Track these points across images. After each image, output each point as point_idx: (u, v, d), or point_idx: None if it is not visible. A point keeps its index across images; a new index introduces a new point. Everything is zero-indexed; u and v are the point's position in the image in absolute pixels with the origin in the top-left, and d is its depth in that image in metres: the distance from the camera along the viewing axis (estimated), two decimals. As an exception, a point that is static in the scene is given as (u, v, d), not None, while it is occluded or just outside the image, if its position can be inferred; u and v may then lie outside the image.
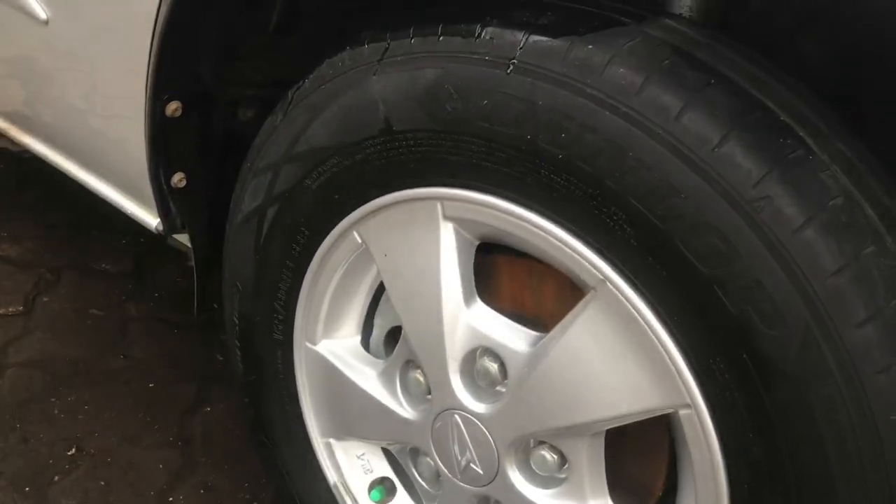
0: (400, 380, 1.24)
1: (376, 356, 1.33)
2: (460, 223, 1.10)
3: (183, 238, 1.62)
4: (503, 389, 1.12)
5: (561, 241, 0.99)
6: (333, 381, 1.32)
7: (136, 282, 2.28)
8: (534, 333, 1.10)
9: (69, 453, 1.77)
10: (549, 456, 1.10)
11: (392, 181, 1.12)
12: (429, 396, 1.21)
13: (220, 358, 2.08)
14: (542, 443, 1.11)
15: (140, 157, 1.45)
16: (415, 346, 1.17)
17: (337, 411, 1.35)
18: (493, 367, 1.11)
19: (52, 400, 1.89)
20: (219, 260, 1.64)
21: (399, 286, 1.17)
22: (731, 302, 0.86)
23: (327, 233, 1.23)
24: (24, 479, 1.71)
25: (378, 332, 1.33)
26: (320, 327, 1.31)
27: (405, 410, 1.23)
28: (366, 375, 1.29)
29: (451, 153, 1.04)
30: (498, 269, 1.18)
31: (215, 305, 2.23)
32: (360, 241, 1.20)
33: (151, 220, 1.55)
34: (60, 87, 1.64)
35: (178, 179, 1.49)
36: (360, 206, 1.18)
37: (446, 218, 1.10)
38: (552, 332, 1.05)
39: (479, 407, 1.13)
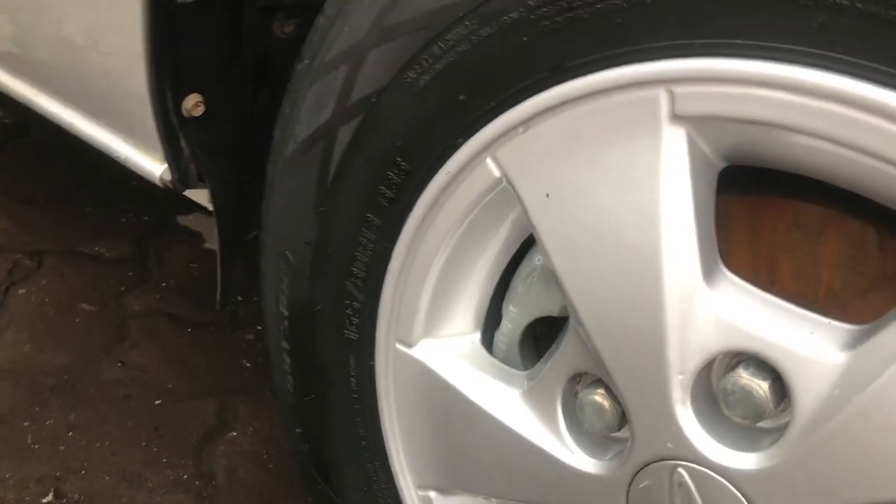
0: (563, 406, 0.75)
1: (509, 365, 0.84)
2: (701, 127, 0.62)
3: (197, 195, 1.14)
4: (778, 425, 0.64)
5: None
6: (441, 404, 0.84)
7: (138, 269, 1.81)
8: (849, 327, 0.61)
9: (45, 500, 1.29)
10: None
11: (572, 55, 0.64)
12: (620, 434, 0.72)
13: (248, 365, 1.61)
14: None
15: (138, 68, 0.97)
16: (601, 351, 0.68)
17: (445, 450, 0.86)
18: (761, 387, 0.62)
19: (25, 424, 1.42)
20: (250, 228, 1.17)
21: (572, 249, 0.68)
22: None
23: (441, 163, 0.74)
24: (-19, 536, 1.23)
25: (511, 328, 0.84)
26: (420, 320, 0.83)
27: (575, 457, 0.74)
28: (497, 395, 0.80)
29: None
30: (731, 219, 0.69)
31: (239, 297, 1.77)
32: (497, 173, 0.72)
33: (155, 167, 1.07)
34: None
35: (193, 104, 1.01)
36: (503, 111, 0.69)
37: (676, 118, 0.61)
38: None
39: (730, 458, 0.64)
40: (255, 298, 1.78)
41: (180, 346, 1.64)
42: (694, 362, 0.64)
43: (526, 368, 0.83)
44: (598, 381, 0.73)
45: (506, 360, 0.84)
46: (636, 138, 0.63)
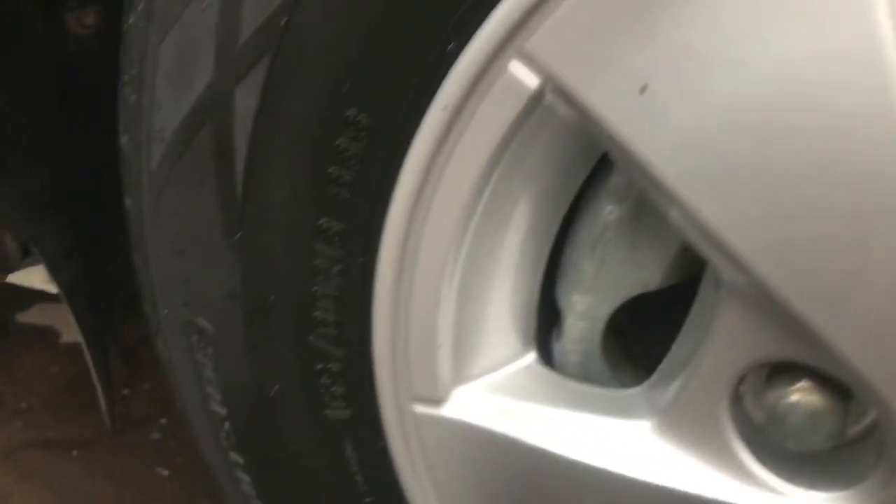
0: (736, 427, 0.46)
1: (594, 383, 0.54)
2: None
3: (32, 278, 0.78)
4: None
5: None
6: (516, 479, 0.53)
7: (-15, 397, 1.40)
8: None
9: None
10: None
11: None
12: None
13: (166, 472, 1.25)
14: None
15: None
16: (814, 320, 0.39)
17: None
18: None
19: None
20: (120, 297, 0.84)
21: (730, 169, 0.39)
22: None
23: (427, 97, 0.43)
24: None
25: (584, 328, 0.54)
26: (444, 360, 0.51)
27: (790, 499, 0.45)
28: (610, 439, 0.50)
29: None
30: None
31: (125, 391, 1.41)
32: (534, 82, 0.41)
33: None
34: None
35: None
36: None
37: None
38: None
39: None
40: (146, 385, 1.43)
41: (72, 476, 1.26)
42: None
43: (622, 383, 0.54)
44: (787, 373, 0.44)
45: (586, 379, 0.54)
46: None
